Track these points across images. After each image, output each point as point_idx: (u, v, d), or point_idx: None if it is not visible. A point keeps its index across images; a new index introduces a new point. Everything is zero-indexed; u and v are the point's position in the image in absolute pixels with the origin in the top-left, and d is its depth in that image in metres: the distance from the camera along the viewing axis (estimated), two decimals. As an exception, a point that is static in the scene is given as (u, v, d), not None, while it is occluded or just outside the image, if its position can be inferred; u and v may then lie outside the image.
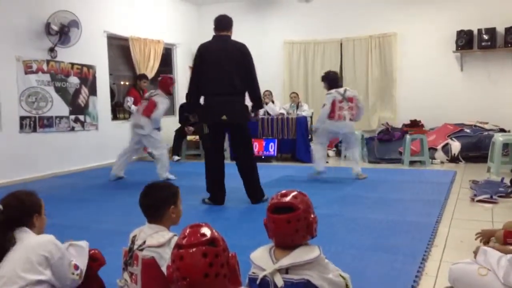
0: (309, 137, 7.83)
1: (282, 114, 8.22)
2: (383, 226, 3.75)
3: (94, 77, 7.50)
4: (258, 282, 1.77)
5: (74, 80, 7.13)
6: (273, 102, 8.54)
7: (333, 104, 5.78)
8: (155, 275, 1.94)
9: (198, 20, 9.74)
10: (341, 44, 9.09)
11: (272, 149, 7.91)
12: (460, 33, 7.95)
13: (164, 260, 1.93)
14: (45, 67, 6.66)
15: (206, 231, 1.53)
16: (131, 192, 5.29)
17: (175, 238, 1.83)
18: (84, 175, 6.82)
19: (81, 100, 7.28)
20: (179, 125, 8.45)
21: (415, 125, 7.76)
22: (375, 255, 3.02)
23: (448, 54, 8.17)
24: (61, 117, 6.93)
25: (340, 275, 1.87)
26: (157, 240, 1.99)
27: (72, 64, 7.10)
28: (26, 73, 6.41)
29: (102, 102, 7.67)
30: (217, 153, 4.68)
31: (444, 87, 8.25)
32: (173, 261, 1.48)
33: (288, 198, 1.84)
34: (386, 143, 7.90)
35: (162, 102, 6.05)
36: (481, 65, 8.02)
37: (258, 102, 4.79)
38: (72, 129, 7.12)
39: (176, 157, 8.17)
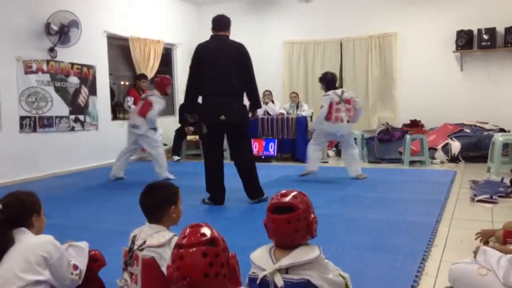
0: (309, 138, 7.82)
1: (282, 114, 8.22)
2: (383, 226, 3.75)
3: (94, 77, 7.50)
4: (258, 282, 1.77)
5: (74, 80, 7.14)
6: (273, 102, 8.54)
7: (330, 105, 5.75)
8: (155, 275, 1.94)
9: (198, 20, 9.74)
10: (341, 44, 9.09)
11: (272, 149, 7.91)
12: (460, 33, 7.95)
13: (164, 260, 1.93)
14: (45, 67, 6.67)
15: (206, 231, 1.53)
16: (131, 192, 5.32)
17: (175, 238, 1.83)
18: (84, 175, 6.82)
19: (81, 100, 7.28)
20: (179, 125, 8.45)
21: (415, 125, 7.76)
22: (375, 255, 3.02)
23: (448, 54, 8.17)
24: (61, 117, 6.93)
25: (340, 275, 1.87)
26: (157, 240, 1.99)
27: (72, 64, 7.10)
28: (26, 73, 6.41)
29: (102, 102, 7.67)
30: (216, 153, 4.68)
31: (444, 87, 8.25)
32: (173, 261, 1.48)
33: (288, 198, 1.84)
34: (386, 143, 7.90)
35: (157, 102, 6.05)
36: (481, 65, 8.03)
37: (256, 102, 4.79)
38: (72, 129, 7.13)
39: (176, 157, 8.17)
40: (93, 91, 7.48)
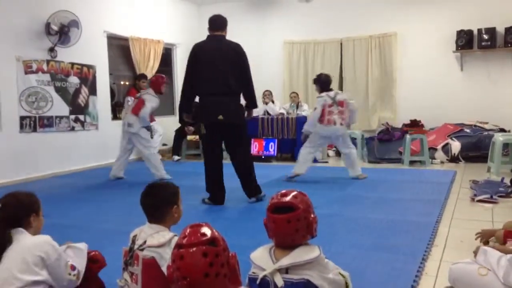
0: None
1: (282, 114, 8.22)
2: (383, 226, 3.75)
3: (94, 77, 7.50)
4: (258, 282, 1.77)
5: (74, 80, 7.14)
6: (273, 102, 8.54)
7: (323, 108, 5.74)
8: (155, 275, 1.94)
9: (198, 20, 9.74)
10: (341, 44, 9.09)
11: (272, 149, 7.91)
12: (460, 33, 7.95)
13: (164, 260, 1.93)
14: (45, 67, 6.67)
15: (206, 230, 1.53)
16: (131, 192, 5.33)
17: (176, 238, 1.83)
18: (84, 175, 6.82)
19: (81, 100, 7.28)
20: (179, 125, 8.45)
21: (415, 125, 7.76)
22: (375, 255, 3.02)
23: (448, 54, 8.17)
24: (61, 117, 6.93)
25: (340, 273, 1.88)
26: (157, 240, 1.99)
27: (72, 64, 7.10)
28: (26, 73, 6.41)
29: (102, 102, 7.67)
30: (215, 153, 4.68)
31: (444, 87, 8.25)
32: (174, 260, 1.48)
33: (288, 198, 1.84)
34: (386, 143, 7.90)
35: (150, 100, 6.07)
36: (481, 65, 8.03)
37: (253, 102, 4.79)
38: (72, 129, 7.13)
39: (176, 157, 8.18)
40: (93, 91, 7.49)
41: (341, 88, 9.12)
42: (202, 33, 4.77)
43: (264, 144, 7.95)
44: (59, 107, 6.88)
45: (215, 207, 4.59)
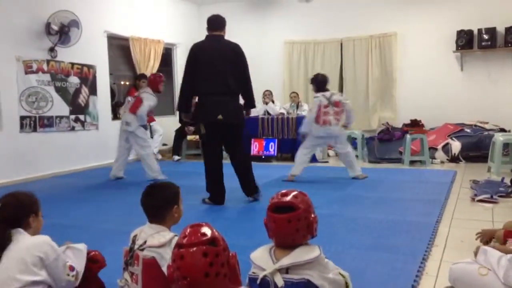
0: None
1: (282, 114, 8.22)
2: (383, 226, 3.75)
3: (94, 77, 7.50)
4: (258, 282, 1.76)
5: (74, 80, 7.14)
6: (273, 102, 8.55)
7: (318, 109, 5.74)
8: (155, 275, 1.94)
9: (198, 20, 9.74)
10: (341, 44, 9.08)
11: (272, 148, 7.91)
12: (460, 33, 7.95)
13: (165, 260, 1.93)
14: (45, 67, 6.67)
15: (206, 230, 1.53)
16: (131, 192, 5.33)
17: (176, 238, 1.83)
18: (84, 175, 6.82)
19: (81, 100, 7.28)
20: (179, 125, 8.45)
21: (415, 125, 7.76)
22: (375, 255, 3.02)
23: (448, 54, 8.17)
24: (61, 117, 6.93)
25: (340, 273, 1.87)
26: (158, 240, 1.99)
27: (72, 64, 7.10)
28: (26, 73, 6.41)
29: (102, 102, 7.68)
30: (215, 153, 4.68)
31: (444, 87, 8.25)
32: (174, 260, 1.49)
33: (288, 198, 1.84)
34: (386, 143, 7.90)
35: (147, 98, 6.09)
36: (481, 65, 8.02)
37: (251, 101, 4.80)
38: (73, 128, 7.13)
39: (176, 157, 8.18)
40: (93, 91, 7.49)
41: (341, 88, 9.13)
42: (202, 33, 4.78)
43: (264, 144, 7.95)
44: (59, 107, 6.88)
45: (215, 207, 4.59)
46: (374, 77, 8.80)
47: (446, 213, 4.12)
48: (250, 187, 4.76)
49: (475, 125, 7.63)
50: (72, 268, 1.98)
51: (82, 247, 2.13)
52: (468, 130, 7.51)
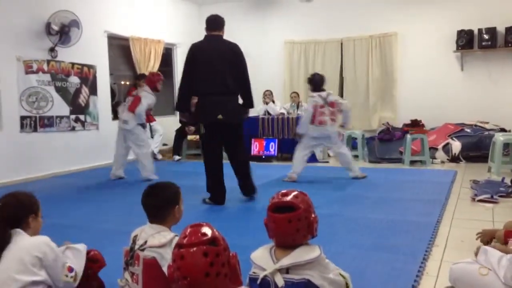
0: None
1: (283, 113, 8.22)
2: (384, 225, 3.75)
3: (95, 77, 7.50)
4: (258, 282, 1.76)
5: (74, 80, 7.14)
6: (273, 102, 8.55)
7: (314, 109, 5.74)
8: (156, 275, 1.94)
9: (198, 20, 9.73)
10: (341, 44, 9.08)
11: (273, 148, 7.91)
12: (461, 33, 7.95)
13: (165, 260, 1.93)
14: (45, 67, 6.67)
15: (207, 230, 1.53)
16: (131, 192, 5.34)
17: (177, 239, 1.83)
18: (84, 175, 6.82)
19: (82, 100, 7.28)
20: (179, 125, 8.45)
21: (415, 124, 7.75)
22: (375, 255, 3.02)
23: (449, 54, 8.17)
24: (61, 117, 6.93)
25: (340, 274, 1.87)
26: (158, 240, 1.99)
27: (73, 64, 7.10)
28: (26, 73, 6.41)
29: (102, 102, 7.68)
30: (215, 153, 4.68)
31: (445, 87, 8.25)
32: (174, 260, 1.49)
33: (289, 198, 1.84)
34: (386, 143, 7.90)
35: (145, 97, 6.11)
36: (481, 65, 8.02)
37: (249, 101, 4.81)
38: (73, 128, 7.13)
39: (176, 157, 8.18)
40: (93, 91, 7.49)
41: (341, 88, 9.14)
42: (202, 33, 4.77)
43: (264, 144, 7.95)
44: (60, 107, 6.88)
45: (215, 207, 4.59)
46: (375, 77, 8.79)
47: (446, 213, 4.12)
48: (249, 187, 4.77)
49: (476, 125, 7.63)
50: (70, 269, 1.98)
51: (82, 247, 2.13)
52: (469, 130, 7.51)
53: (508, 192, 4.68)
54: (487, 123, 7.68)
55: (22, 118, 6.35)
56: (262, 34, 9.62)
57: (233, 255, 1.57)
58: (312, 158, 7.55)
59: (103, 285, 2.23)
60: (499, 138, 6.15)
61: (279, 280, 1.73)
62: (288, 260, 1.76)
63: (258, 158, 7.85)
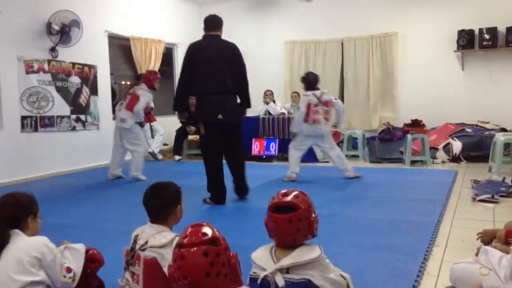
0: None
1: (283, 113, 8.22)
2: (384, 225, 3.75)
3: (95, 77, 7.51)
4: (259, 282, 1.76)
5: (75, 80, 7.14)
6: (274, 101, 8.55)
7: (308, 107, 5.74)
8: (156, 276, 1.94)
9: (199, 20, 9.61)
10: (342, 43, 9.08)
11: (273, 148, 7.91)
12: (461, 33, 7.94)
13: (166, 260, 1.93)
14: (46, 66, 6.67)
15: (207, 230, 1.53)
16: (131, 191, 5.34)
17: (177, 239, 1.83)
18: (84, 174, 6.83)
19: (82, 99, 7.29)
20: (180, 125, 8.45)
21: (416, 124, 7.75)
22: (376, 254, 3.02)
23: (449, 54, 8.16)
24: (62, 117, 6.93)
25: (341, 275, 1.87)
26: (159, 240, 1.99)
27: (73, 64, 7.10)
28: (27, 72, 6.41)
29: (103, 102, 7.68)
30: (216, 153, 4.68)
31: (445, 86, 8.24)
32: (174, 260, 1.48)
33: (289, 198, 1.84)
34: (387, 143, 7.90)
35: (143, 95, 6.13)
36: (482, 65, 8.02)
37: (248, 101, 4.81)
38: (73, 128, 7.13)
39: (177, 157, 8.18)
40: (94, 90, 7.49)
41: (342, 88, 9.14)
42: (202, 33, 4.78)
43: (265, 144, 7.95)
44: (60, 107, 6.89)
45: (216, 207, 4.59)
46: (375, 77, 8.79)
47: (447, 213, 4.11)
48: (244, 188, 4.79)
49: (476, 125, 7.62)
50: (69, 270, 1.97)
51: (80, 247, 2.12)
52: (469, 130, 7.50)
53: (509, 192, 4.67)
54: (487, 123, 7.67)
55: (23, 118, 6.36)
56: (262, 34, 9.62)
57: (234, 255, 1.57)
58: (313, 158, 7.57)
59: (103, 284, 2.23)
60: (500, 138, 6.15)
61: (280, 280, 1.73)
62: (288, 260, 1.76)
63: (258, 158, 7.86)
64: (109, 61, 7.86)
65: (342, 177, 5.93)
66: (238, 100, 4.80)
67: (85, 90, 7.32)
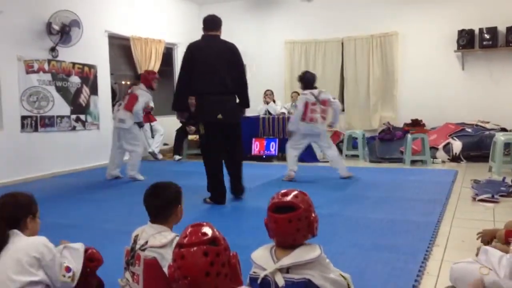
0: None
1: (283, 113, 8.23)
2: (384, 225, 3.75)
3: (95, 77, 7.51)
4: (259, 281, 1.76)
5: (75, 80, 7.14)
6: (274, 101, 8.55)
7: (306, 106, 5.75)
8: (157, 276, 1.94)
9: (199, 20, 9.55)
10: (342, 43, 9.08)
11: (273, 148, 7.91)
12: (462, 33, 7.94)
13: (166, 260, 1.93)
14: (46, 66, 6.67)
15: (207, 230, 1.53)
16: (131, 191, 5.34)
17: (177, 239, 1.83)
18: (84, 174, 6.83)
19: (82, 99, 7.29)
20: (180, 125, 8.45)
21: (416, 124, 7.75)
22: (375, 254, 3.02)
23: (450, 54, 8.16)
24: (62, 117, 6.94)
25: (341, 275, 1.87)
26: (159, 240, 1.99)
27: (73, 64, 7.10)
28: (27, 72, 6.41)
29: (103, 102, 7.68)
30: (216, 153, 4.68)
31: (446, 86, 8.24)
32: (174, 260, 1.49)
33: (289, 198, 1.84)
34: (387, 143, 7.90)
35: (142, 95, 6.13)
36: (482, 65, 8.01)
37: (246, 101, 4.82)
38: (73, 128, 7.13)
39: (177, 157, 8.18)
40: (94, 90, 7.49)
41: (342, 87, 9.14)
42: (202, 33, 4.78)
43: (265, 144, 7.95)
44: (60, 107, 6.89)
45: (216, 207, 4.59)
46: (375, 76, 8.79)
47: (447, 213, 4.11)
48: (240, 188, 4.81)
49: (476, 125, 7.62)
50: (68, 269, 1.96)
51: (79, 246, 2.11)
52: (469, 130, 7.50)
53: (509, 191, 4.67)
54: (488, 122, 7.67)
55: (23, 118, 6.36)
56: (262, 34, 9.62)
57: (234, 254, 1.57)
58: (312, 158, 7.57)
59: (102, 283, 2.23)
60: (500, 137, 6.15)
61: (280, 279, 1.73)
62: (288, 259, 1.76)
63: (258, 158, 7.86)
64: (109, 61, 7.86)
65: (339, 176, 5.93)
66: (237, 100, 4.80)
67: (85, 90, 7.32)
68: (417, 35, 8.42)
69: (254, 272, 1.81)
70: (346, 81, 9.06)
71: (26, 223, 2.01)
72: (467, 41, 7.90)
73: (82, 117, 7.28)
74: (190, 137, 8.45)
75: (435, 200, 4.57)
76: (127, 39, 8.19)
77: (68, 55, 6.93)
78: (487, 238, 2.80)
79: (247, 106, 4.89)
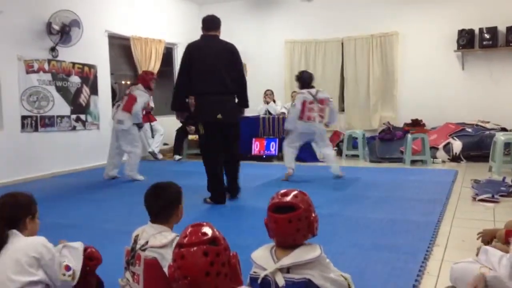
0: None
1: (284, 113, 8.22)
2: (384, 225, 3.75)
3: (95, 77, 7.51)
4: (259, 281, 1.76)
5: (75, 80, 7.14)
6: (274, 101, 8.55)
7: (303, 104, 5.76)
8: (157, 276, 1.94)
9: (199, 20, 9.51)
10: (342, 43, 9.08)
11: (273, 148, 7.91)
12: (462, 32, 7.94)
13: (166, 260, 1.93)
14: (46, 66, 6.67)
15: (207, 230, 1.53)
16: (131, 191, 5.34)
17: (177, 239, 1.83)
18: (84, 174, 6.83)
19: (83, 99, 7.29)
20: (180, 125, 8.45)
21: (416, 124, 7.75)
22: (376, 254, 3.02)
23: (450, 53, 8.16)
24: (62, 117, 6.94)
25: (341, 275, 1.87)
26: (159, 240, 1.99)
27: (74, 64, 7.10)
28: (27, 72, 6.41)
29: (103, 102, 7.68)
30: (215, 153, 4.68)
31: (446, 86, 8.24)
32: (174, 260, 1.49)
33: (289, 198, 1.84)
34: (387, 143, 7.90)
35: (140, 95, 6.12)
36: (482, 64, 8.01)
37: (246, 101, 4.82)
38: (74, 128, 7.13)
39: (177, 157, 8.18)
40: (94, 90, 7.49)
41: (342, 87, 9.14)
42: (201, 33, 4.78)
43: (265, 144, 7.95)
44: (60, 107, 6.89)
45: (216, 207, 4.59)
46: (375, 76, 8.79)
47: (447, 213, 4.11)
48: (236, 189, 4.82)
49: (476, 125, 7.62)
50: (68, 268, 1.96)
51: (79, 245, 2.11)
52: (469, 130, 7.50)
53: (509, 191, 4.67)
54: (488, 122, 7.67)
55: (23, 117, 6.36)
56: (262, 34, 9.62)
57: (234, 254, 1.57)
58: (312, 158, 7.57)
59: (102, 282, 2.22)
60: (500, 137, 6.15)
61: (280, 279, 1.73)
62: (288, 259, 1.76)
63: (258, 158, 7.86)
64: (109, 61, 7.86)
65: (346, 176, 5.94)
66: (236, 100, 4.80)
67: (85, 90, 7.32)
68: (417, 35, 8.42)
69: (255, 272, 1.81)
70: (346, 81, 9.06)
71: (26, 224, 2.00)
72: (467, 41, 7.90)
73: (82, 117, 7.28)
74: (190, 137, 8.46)
75: (435, 200, 4.57)
76: (127, 39, 8.20)
77: (68, 55, 6.93)
78: (487, 238, 2.80)
79: (246, 106, 4.89)
